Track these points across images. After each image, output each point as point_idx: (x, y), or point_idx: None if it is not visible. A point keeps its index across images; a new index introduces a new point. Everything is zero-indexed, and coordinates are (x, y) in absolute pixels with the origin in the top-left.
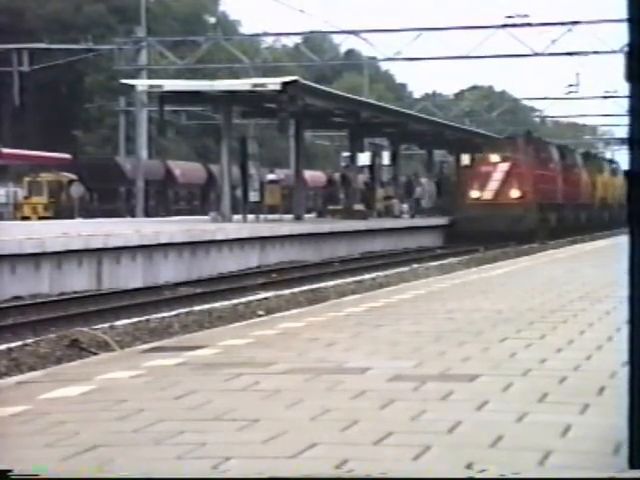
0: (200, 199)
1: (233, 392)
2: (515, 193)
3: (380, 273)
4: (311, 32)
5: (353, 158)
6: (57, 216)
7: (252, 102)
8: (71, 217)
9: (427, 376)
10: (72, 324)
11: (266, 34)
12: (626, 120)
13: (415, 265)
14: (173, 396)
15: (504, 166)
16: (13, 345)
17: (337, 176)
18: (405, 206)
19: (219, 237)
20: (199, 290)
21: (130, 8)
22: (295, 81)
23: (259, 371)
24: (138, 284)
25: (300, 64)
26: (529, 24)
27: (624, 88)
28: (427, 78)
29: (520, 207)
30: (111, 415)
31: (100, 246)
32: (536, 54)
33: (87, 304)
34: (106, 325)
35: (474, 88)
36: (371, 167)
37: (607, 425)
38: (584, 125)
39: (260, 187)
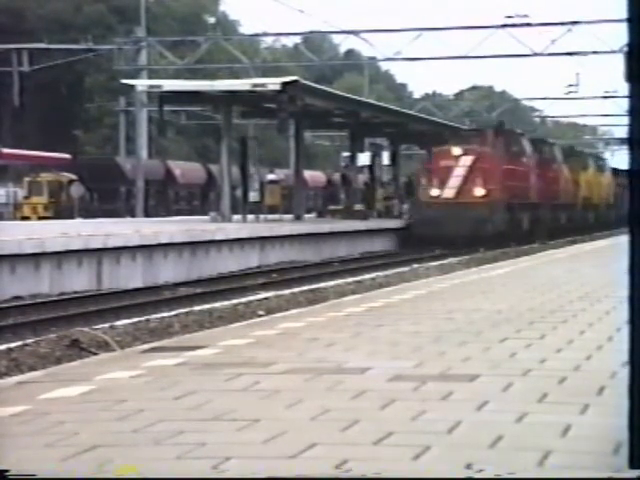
0: (200, 199)
1: (233, 392)
2: (479, 191)
3: (380, 273)
4: (311, 32)
5: (353, 158)
6: (57, 216)
7: (252, 102)
8: (71, 217)
9: (427, 376)
10: (72, 324)
11: (266, 34)
12: (626, 120)
13: (415, 265)
14: (173, 396)
15: (467, 160)
16: (13, 345)
17: (337, 176)
18: (405, 206)
19: (219, 237)
20: (199, 290)
21: (130, 8)
22: (295, 81)
23: (259, 371)
24: (138, 284)
25: (300, 64)
26: (529, 24)
27: (624, 88)
28: (427, 78)
29: (485, 207)
30: (111, 415)
31: (100, 246)
32: (536, 54)
33: (87, 304)
34: (106, 325)
35: (474, 88)
36: (371, 167)
37: (607, 425)
38: (584, 125)
39: (260, 187)
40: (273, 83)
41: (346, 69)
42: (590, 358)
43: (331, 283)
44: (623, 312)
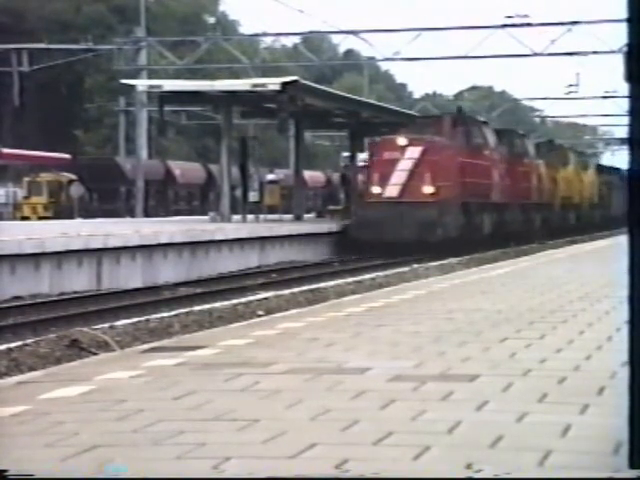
0: (200, 199)
1: (233, 392)
2: (428, 189)
3: (380, 273)
4: (310, 32)
5: (353, 158)
6: (57, 216)
7: (252, 102)
8: (71, 217)
9: (427, 376)
10: (72, 324)
11: (265, 34)
12: (626, 120)
13: (415, 265)
14: (173, 396)
15: (414, 151)
16: (13, 345)
17: (336, 176)
18: None
19: (218, 237)
20: (199, 290)
21: (130, 8)
22: (295, 81)
23: (259, 371)
24: (138, 284)
25: (299, 64)
26: (529, 24)
27: (624, 88)
28: (427, 78)
29: (434, 208)
30: (111, 415)
31: (100, 246)
32: (536, 54)
33: (87, 304)
34: (106, 325)
35: (474, 88)
36: None
37: (607, 425)
38: (584, 125)
39: (260, 187)
40: (273, 83)
41: (346, 69)
42: (590, 358)
43: (331, 283)
44: (623, 312)
